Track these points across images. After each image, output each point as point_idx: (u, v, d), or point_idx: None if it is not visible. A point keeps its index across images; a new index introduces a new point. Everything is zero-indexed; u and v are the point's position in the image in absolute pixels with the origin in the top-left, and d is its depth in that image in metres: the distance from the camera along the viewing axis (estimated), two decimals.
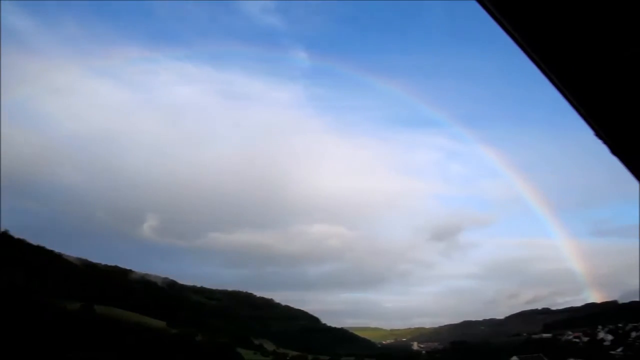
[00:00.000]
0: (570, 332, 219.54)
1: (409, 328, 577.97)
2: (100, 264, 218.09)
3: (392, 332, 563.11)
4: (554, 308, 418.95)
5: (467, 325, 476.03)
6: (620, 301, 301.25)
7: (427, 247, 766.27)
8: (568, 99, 2.54)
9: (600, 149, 3.14)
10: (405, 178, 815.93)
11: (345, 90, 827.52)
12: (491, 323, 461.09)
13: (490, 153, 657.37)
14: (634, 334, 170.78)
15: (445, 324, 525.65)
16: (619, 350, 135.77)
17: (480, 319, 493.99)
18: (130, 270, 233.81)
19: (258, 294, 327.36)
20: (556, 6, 1.85)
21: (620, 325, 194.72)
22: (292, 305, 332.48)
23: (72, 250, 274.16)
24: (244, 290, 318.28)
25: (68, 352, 68.60)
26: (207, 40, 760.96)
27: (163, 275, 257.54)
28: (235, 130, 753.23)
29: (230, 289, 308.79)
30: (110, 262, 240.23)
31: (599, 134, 2.97)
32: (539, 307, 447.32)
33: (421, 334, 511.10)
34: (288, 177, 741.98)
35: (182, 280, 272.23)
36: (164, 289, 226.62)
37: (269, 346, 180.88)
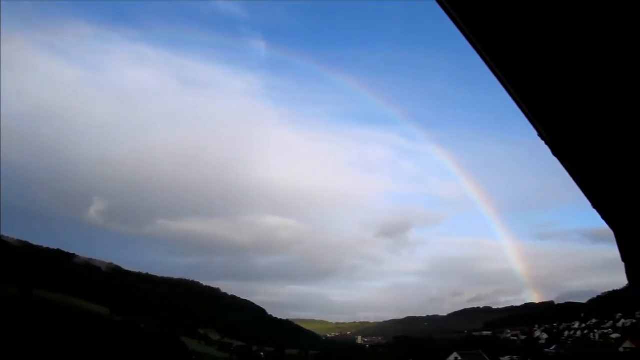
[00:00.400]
0: (509, 331, 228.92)
1: (354, 322, 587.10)
2: (42, 246, 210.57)
3: (337, 325, 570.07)
4: (495, 307, 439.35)
5: (410, 320, 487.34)
6: (557, 302, 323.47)
7: (375, 243, 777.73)
8: (514, 98, 2.59)
9: (546, 154, 3.16)
10: (358, 174, 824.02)
11: (302, 83, 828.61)
12: (434, 319, 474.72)
13: (441, 153, 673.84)
14: (566, 333, 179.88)
15: (390, 319, 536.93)
16: (553, 348, 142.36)
17: (424, 315, 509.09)
18: (73, 255, 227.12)
19: (205, 283, 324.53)
20: (505, 6, 1.95)
21: (555, 324, 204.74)
22: (238, 295, 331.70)
23: (12, 231, 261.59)
24: (191, 279, 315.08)
25: (2, 337, 65.93)
26: (165, 24, 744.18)
27: (108, 261, 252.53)
28: (190, 117, 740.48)
29: (176, 277, 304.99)
30: (53, 245, 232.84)
31: (541, 135, 3.00)
32: (481, 306, 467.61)
33: (366, 328, 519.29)
34: (242, 167, 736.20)
35: (127, 267, 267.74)
36: (109, 274, 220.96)
37: (214, 336, 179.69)
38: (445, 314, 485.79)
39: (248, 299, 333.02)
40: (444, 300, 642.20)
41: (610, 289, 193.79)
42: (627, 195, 3.50)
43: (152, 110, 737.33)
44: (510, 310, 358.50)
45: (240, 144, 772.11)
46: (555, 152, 3.11)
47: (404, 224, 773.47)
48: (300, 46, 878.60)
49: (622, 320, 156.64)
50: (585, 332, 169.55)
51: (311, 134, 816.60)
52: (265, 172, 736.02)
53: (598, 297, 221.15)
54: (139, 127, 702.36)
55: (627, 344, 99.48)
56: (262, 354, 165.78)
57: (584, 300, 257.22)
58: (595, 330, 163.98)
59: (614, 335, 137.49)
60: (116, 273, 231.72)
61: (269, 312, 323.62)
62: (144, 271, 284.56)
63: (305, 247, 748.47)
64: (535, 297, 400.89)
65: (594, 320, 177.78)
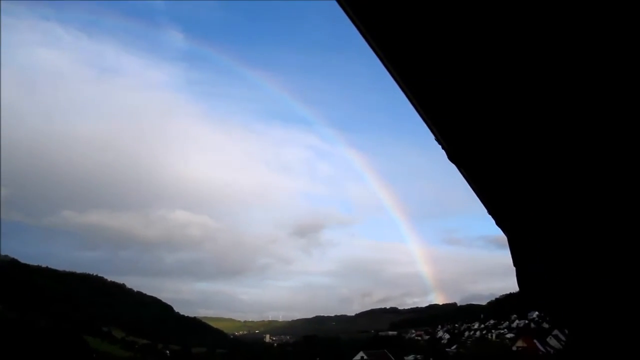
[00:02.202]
0: (413, 331, 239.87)
1: (263, 321, 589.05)
2: None
3: (246, 324, 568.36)
4: (401, 308, 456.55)
5: (319, 320, 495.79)
6: (460, 304, 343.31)
7: (288, 243, 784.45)
8: (411, 101, 2.62)
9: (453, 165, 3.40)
10: (274, 173, 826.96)
11: (222, 79, 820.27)
12: (342, 319, 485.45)
13: (358, 158, 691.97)
14: (467, 334, 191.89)
15: (299, 318, 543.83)
16: (453, 347, 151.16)
17: (333, 315, 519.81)
18: None
19: (110, 278, 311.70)
20: (402, 9, 1.99)
21: (457, 325, 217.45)
22: (145, 291, 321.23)
23: None
24: (95, 274, 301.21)
25: None
26: (83, 5, 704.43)
27: (3, 254, 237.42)
28: (103, 106, 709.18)
29: (79, 271, 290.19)
30: None
31: (438, 139, 3.03)
32: (388, 307, 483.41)
33: (274, 327, 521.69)
34: (156, 160, 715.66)
35: (25, 260, 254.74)
36: (4, 268, 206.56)
37: (118, 334, 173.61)
38: (353, 314, 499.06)
39: (155, 296, 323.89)
40: (353, 300, 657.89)
41: (508, 292, 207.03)
42: (516, 202, 3.80)
43: (63, 95, 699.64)
44: (416, 312, 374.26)
45: (156, 137, 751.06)
46: (451, 157, 3.13)
47: (318, 225, 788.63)
48: (220, 41, 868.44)
49: (517, 321, 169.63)
50: (484, 332, 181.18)
51: (228, 130, 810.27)
52: (180, 167, 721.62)
53: (497, 299, 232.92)
54: (47, 113, 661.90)
55: (520, 343, 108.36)
56: (167, 352, 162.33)
57: (484, 302, 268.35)
58: (493, 331, 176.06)
59: (508, 335, 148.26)
60: (13, 267, 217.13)
61: (176, 309, 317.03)
62: (44, 265, 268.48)
63: (217, 244, 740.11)
64: (439, 299, 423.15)
65: (492, 321, 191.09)
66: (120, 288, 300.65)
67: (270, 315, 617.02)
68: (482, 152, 3.03)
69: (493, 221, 4.09)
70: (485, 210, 3.94)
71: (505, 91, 2.34)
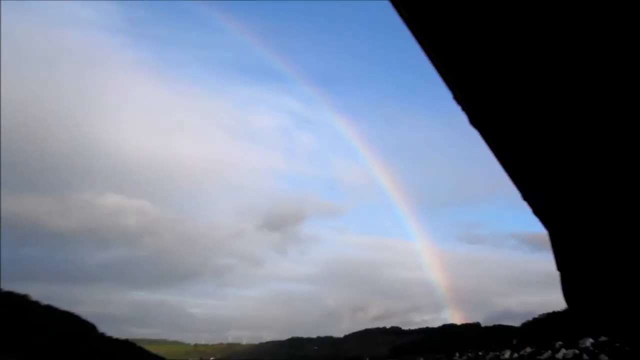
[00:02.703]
0: (422, 359, 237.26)
1: (221, 344, 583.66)
2: None
3: (197, 348, 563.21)
4: (406, 327, 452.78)
5: (296, 343, 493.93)
6: (484, 324, 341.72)
7: (256, 238, 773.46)
8: (425, 49, 2.60)
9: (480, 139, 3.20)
10: (240, 145, 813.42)
11: (171, 18, 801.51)
12: (327, 342, 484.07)
13: (349, 127, 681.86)
14: None
15: (269, 340, 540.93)
16: None
17: (314, 336, 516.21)
18: None
19: (6, 287, 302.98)
20: None
21: (480, 353, 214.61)
22: (56, 305, 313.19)
23: None
24: None
25: None
26: None
27: None
28: (5, 46, 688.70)
29: None
30: None
31: (457, 97, 3.00)
32: (388, 326, 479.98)
33: (236, 352, 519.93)
34: (77, 124, 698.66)
35: None
36: None
37: None
38: (341, 336, 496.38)
39: (70, 310, 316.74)
40: (341, 317, 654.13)
41: (550, 310, 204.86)
42: (562, 182, 3.45)
43: None
44: (425, 333, 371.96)
45: (79, 93, 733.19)
46: (474, 121, 3.09)
47: (296, 215, 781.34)
48: None
49: (563, 350, 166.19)
50: None
51: (178, 86, 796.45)
52: (111, 134, 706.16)
53: (535, 319, 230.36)
54: None
55: None
56: None
57: (517, 323, 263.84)
58: None
59: None
60: None
61: (101, 328, 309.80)
62: None
63: (160, 238, 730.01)
64: (457, 317, 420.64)
65: (528, 349, 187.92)
66: (21, 300, 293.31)
67: (230, 337, 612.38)
68: (515, 113, 2.97)
69: (529, 210, 4.03)
70: (519, 195, 3.90)
71: (545, 28, 2.34)
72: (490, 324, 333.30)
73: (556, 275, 4.53)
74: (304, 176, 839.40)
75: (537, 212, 3.91)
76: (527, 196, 3.76)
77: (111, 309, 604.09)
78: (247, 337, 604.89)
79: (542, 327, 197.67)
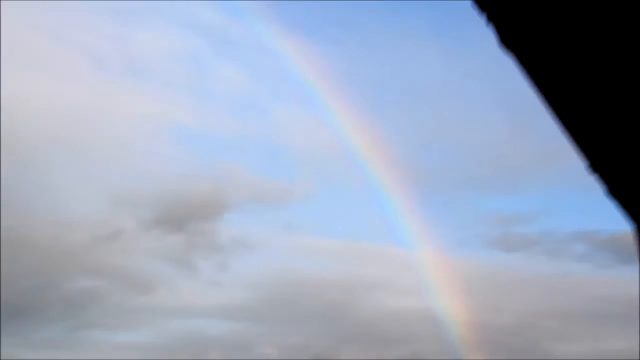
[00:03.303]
0: None
1: None
2: None
3: None
4: None
5: None
6: None
7: (142, 243, 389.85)
8: None
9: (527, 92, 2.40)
10: (115, 84, 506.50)
11: None
12: None
13: (305, 56, 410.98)
14: None
15: None
16: None
17: None
18: None
19: None
20: None
21: None
22: None
23: None
24: None
25: None
26: None
27: None
28: None
29: None
30: None
31: (481, 4, 2.41)
32: None
33: None
34: None
35: None
36: None
37: None
38: None
39: None
40: None
41: None
42: None
43: None
44: None
45: None
46: (505, 40, 2.35)
47: (211, 204, 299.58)
48: None
49: None
50: None
51: None
52: None
53: None
54: None
55: None
56: None
57: None
58: None
59: None
60: None
61: None
62: None
63: None
64: None
65: None
66: None
67: None
68: (569, 32, 2.22)
69: (604, 193, 2.88)
70: (587, 169, 2.83)
71: None
72: None
73: None
74: (225, 138, 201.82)
75: (616, 193, 2.73)
76: (600, 168, 2.64)
77: None
78: None
79: None
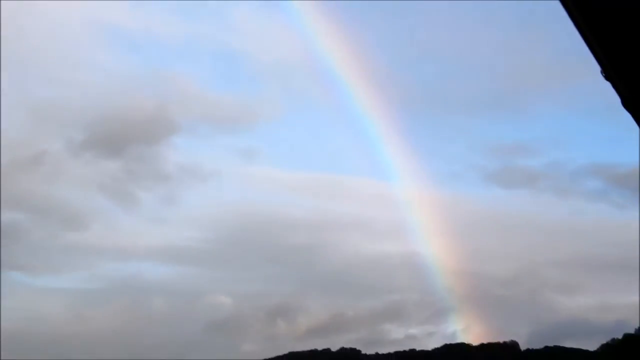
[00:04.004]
0: None
1: None
2: None
3: None
4: (371, 351, 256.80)
5: None
6: (527, 345, 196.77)
7: (72, 170, 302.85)
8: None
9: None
10: None
11: None
12: None
13: None
14: None
15: None
16: None
17: None
18: None
19: None
20: None
21: None
22: None
23: None
24: None
25: None
26: None
27: None
28: None
29: None
30: None
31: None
32: (336, 348, 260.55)
33: None
34: None
35: None
36: None
37: None
38: None
39: None
40: (245, 329, 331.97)
41: None
42: None
43: None
44: (410, 358, 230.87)
45: None
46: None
47: (156, 122, 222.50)
48: None
49: None
50: None
51: None
52: None
53: (626, 337, 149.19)
54: None
55: None
56: None
57: (594, 345, 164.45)
58: None
59: None
60: None
61: None
62: None
63: None
64: (474, 332, 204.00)
65: None
66: None
67: None
68: None
69: (622, 121, 2.48)
70: (600, 84, 2.55)
71: None
72: (539, 345, 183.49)
73: None
74: (171, 43, 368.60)
75: (633, 103, 2.41)
76: (616, 73, 2.30)
77: None
78: None
79: (632, 351, 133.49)
